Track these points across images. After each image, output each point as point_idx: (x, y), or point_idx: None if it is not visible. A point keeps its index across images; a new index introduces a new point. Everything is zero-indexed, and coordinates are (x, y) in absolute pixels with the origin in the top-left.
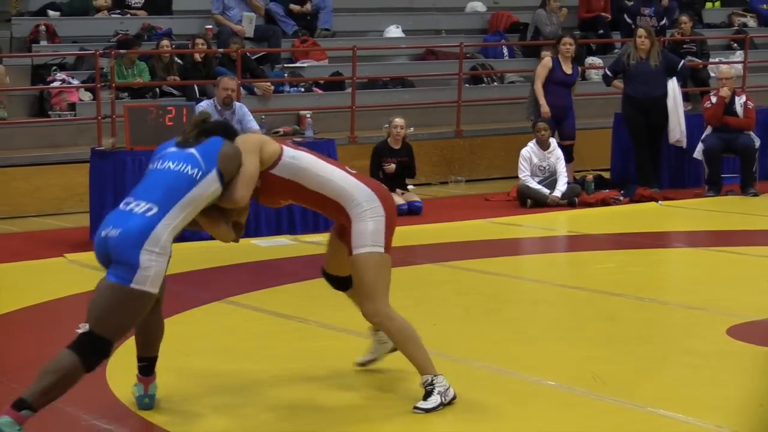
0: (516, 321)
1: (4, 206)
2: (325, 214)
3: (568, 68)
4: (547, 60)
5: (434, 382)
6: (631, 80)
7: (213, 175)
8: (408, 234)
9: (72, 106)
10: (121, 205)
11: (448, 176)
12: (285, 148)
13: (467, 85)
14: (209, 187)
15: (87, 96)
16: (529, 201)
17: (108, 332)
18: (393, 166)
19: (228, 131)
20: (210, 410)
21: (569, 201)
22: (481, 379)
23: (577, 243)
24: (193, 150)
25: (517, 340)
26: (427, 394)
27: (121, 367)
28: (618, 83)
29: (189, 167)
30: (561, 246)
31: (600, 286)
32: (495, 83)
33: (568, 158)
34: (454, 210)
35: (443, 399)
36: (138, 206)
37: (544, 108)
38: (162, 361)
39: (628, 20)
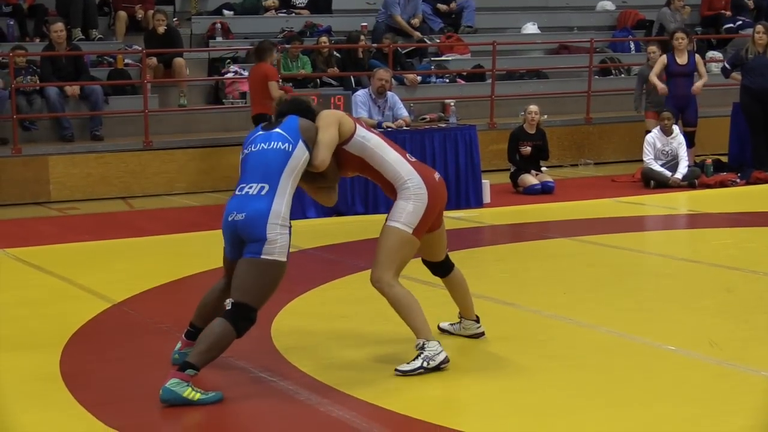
0: (639, 291)
1: (184, 182)
2: (383, 190)
3: (682, 60)
4: (662, 57)
5: (425, 346)
6: (748, 72)
7: (300, 144)
8: (542, 211)
9: (243, 95)
10: (237, 191)
11: (579, 159)
12: (358, 127)
13: (596, 76)
14: (301, 155)
15: None
16: (653, 182)
17: (251, 301)
18: (528, 148)
19: (300, 108)
20: (364, 367)
21: (690, 182)
22: (606, 343)
23: (697, 221)
24: (278, 129)
25: (639, 308)
26: (414, 358)
27: (284, 331)
28: (736, 75)
29: (280, 143)
30: (681, 223)
31: (718, 260)
32: (622, 75)
33: (690, 143)
34: (584, 190)
35: (425, 363)
36: (251, 188)
37: (660, 86)
38: (321, 322)
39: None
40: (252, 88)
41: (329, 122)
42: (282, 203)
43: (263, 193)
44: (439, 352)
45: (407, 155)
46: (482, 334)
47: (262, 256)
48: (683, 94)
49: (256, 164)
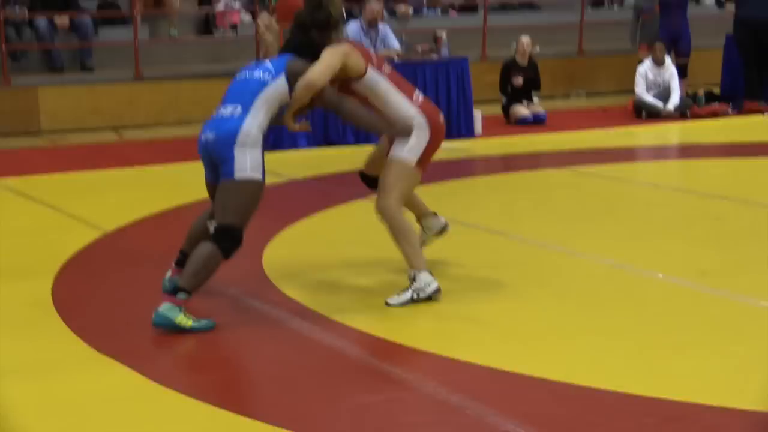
0: (630, 221)
1: (175, 114)
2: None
3: None
4: None
5: (416, 277)
6: (742, 4)
7: (281, 78)
8: (533, 141)
9: (234, 27)
10: (214, 113)
11: (571, 90)
12: (369, 69)
13: (589, 8)
14: (278, 87)
15: (247, 17)
16: (644, 113)
17: (232, 220)
18: (520, 80)
19: (301, 49)
20: (354, 294)
21: (681, 113)
22: (596, 271)
23: (688, 151)
24: (267, 62)
25: (631, 237)
26: (404, 290)
27: (275, 259)
28: (730, 7)
29: (261, 73)
30: (673, 154)
31: (708, 189)
32: (615, 6)
33: (682, 74)
34: (576, 120)
35: (415, 295)
36: (226, 110)
37: None
38: (311, 250)
39: None
40: (281, 22)
41: (335, 51)
42: (253, 124)
43: (235, 114)
44: (430, 283)
45: (416, 93)
46: (446, 224)
47: (236, 175)
48: (678, 25)
49: (235, 90)
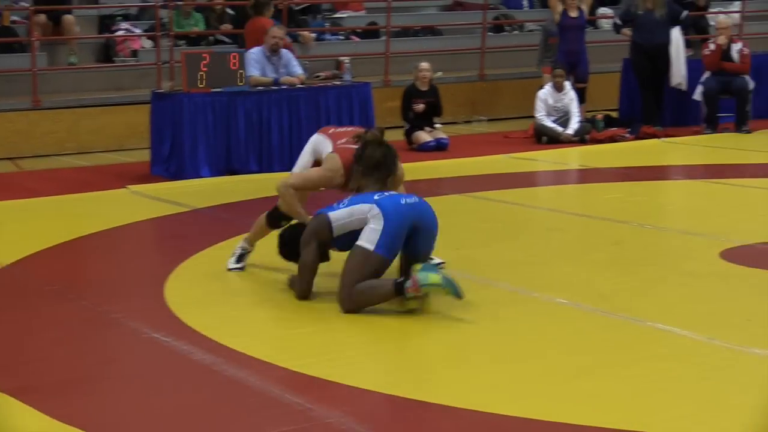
0: (531, 246)
1: (74, 143)
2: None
3: (573, 13)
4: (558, 7)
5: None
6: (638, 29)
7: None
8: (435, 167)
9: (135, 53)
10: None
11: (472, 115)
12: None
13: (490, 33)
14: None
15: (148, 44)
16: (545, 138)
17: None
18: (421, 106)
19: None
20: (258, 325)
21: (581, 138)
22: (497, 297)
23: (587, 176)
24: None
25: (532, 262)
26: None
27: (177, 293)
28: (626, 31)
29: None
30: (572, 178)
31: (607, 214)
32: (515, 31)
33: (581, 99)
34: (477, 146)
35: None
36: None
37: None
38: (216, 280)
39: None
40: (249, 43)
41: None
42: None
43: None
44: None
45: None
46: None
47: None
48: (576, 50)
49: None
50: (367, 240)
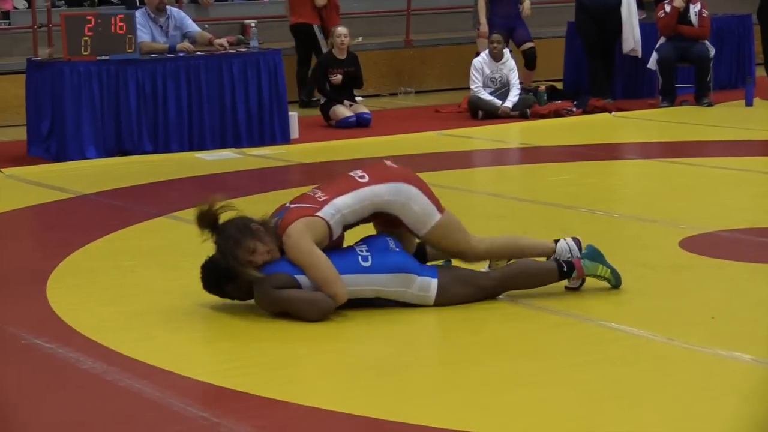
0: None
1: None
2: (379, 226)
3: None
4: None
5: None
6: None
7: None
8: (357, 146)
9: (6, 15)
10: None
11: (398, 87)
12: (323, 213)
13: None
14: None
15: (22, 4)
16: (481, 112)
17: None
18: (339, 77)
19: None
20: (156, 328)
21: (521, 112)
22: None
23: (529, 155)
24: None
25: None
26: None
27: (61, 292)
28: None
29: None
30: (513, 158)
31: (552, 198)
32: None
33: (531, 65)
34: (404, 122)
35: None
36: None
37: (483, 27)
38: (106, 277)
39: None
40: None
41: (302, 249)
42: None
43: None
44: None
45: (355, 177)
46: None
47: None
48: (512, 13)
49: None
50: None
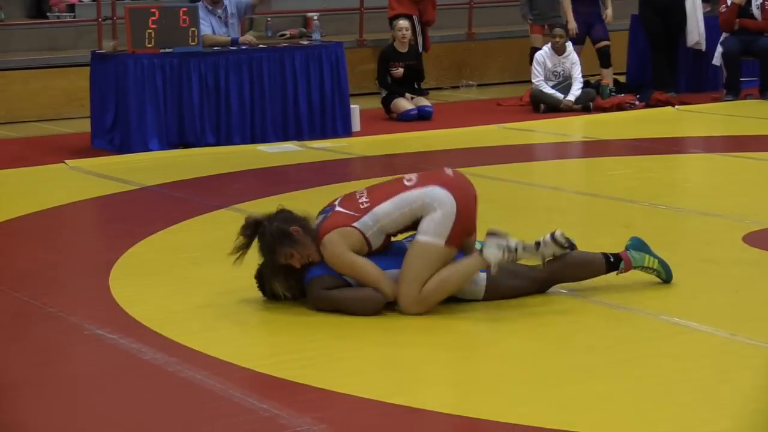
0: (530, 229)
1: (3, 111)
2: None
3: None
4: None
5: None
6: None
7: None
8: (418, 140)
9: (71, 8)
10: None
11: (460, 80)
12: (359, 226)
13: None
14: None
15: None
16: (543, 106)
17: None
18: (400, 70)
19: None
20: (217, 320)
21: (584, 106)
22: None
23: (592, 149)
24: None
25: None
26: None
27: (124, 283)
28: None
29: None
30: (575, 152)
31: (614, 192)
32: None
33: (604, 62)
34: (465, 115)
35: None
36: None
37: (572, 25)
38: (169, 268)
39: None
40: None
41: (341, 257)
42: None
43: None
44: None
45: (403, 180)
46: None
47: None
48: (591, 9)
49: None
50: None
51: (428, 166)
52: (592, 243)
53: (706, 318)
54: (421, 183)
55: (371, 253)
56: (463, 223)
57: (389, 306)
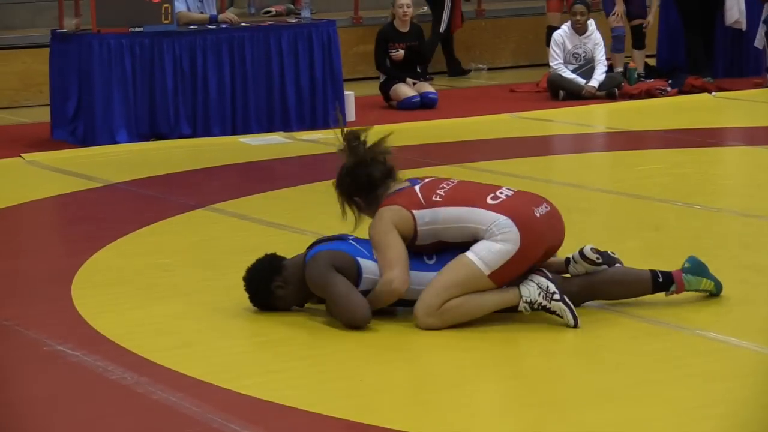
0: None
1: None
2: None
3: None
4: None
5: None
6: None
7: None
8: (421, 130)
9: None
10: None
11: (468, 64)
12: (417, 215)
13: None
14: None
15: None
16: (562, 92)
17: None
18: (401, 52)
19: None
20: (192, 334)
21: (608, 92)
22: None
23: (617, 141)
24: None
25: None
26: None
27: (88, 293)
28: None
29: None
30: (598, 144)
31: (643, 190)
32: None
33: (637, 43)
34: (474, 102)
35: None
36: None
37: (619, 6)
38: (138, 276)
39: None
40: None
41: (381, 245)
42: None
43: None
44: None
45: (492, 194)
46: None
47: None
48: None
49: None
50: None
51: (432, 160)
52: (618, 248)
53: (747, 333)
54: (503, 208)
55: (417, 249)
56: (517, 266)
57: (390, 320)
